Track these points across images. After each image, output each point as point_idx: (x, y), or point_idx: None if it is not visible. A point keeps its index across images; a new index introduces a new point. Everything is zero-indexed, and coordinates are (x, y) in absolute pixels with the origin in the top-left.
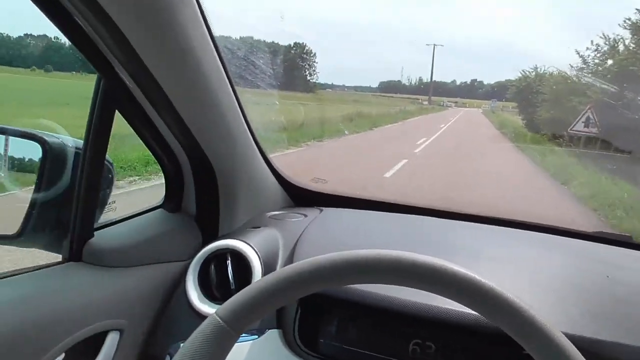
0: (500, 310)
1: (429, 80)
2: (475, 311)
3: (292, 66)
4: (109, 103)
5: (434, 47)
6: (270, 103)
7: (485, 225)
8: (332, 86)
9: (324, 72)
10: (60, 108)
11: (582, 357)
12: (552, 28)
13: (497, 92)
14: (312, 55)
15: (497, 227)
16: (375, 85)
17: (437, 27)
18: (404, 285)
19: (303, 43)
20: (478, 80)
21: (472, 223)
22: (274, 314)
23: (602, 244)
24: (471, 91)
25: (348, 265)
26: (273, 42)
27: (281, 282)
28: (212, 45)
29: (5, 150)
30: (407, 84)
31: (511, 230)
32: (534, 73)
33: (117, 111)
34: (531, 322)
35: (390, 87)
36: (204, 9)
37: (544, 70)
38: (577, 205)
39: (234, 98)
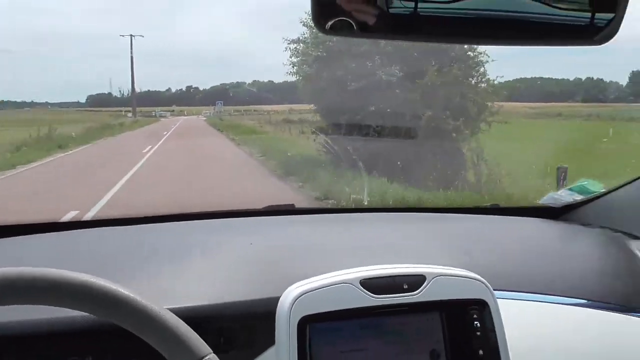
0: (109, 305)
1: (145, 89)
2: (90, 313)
3: None
4: None
5: (132, 39)
6: None
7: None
8: (31, 104)
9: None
10: None
11: (185, 325)
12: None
13: (215, 96)
14: None
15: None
16: (83, 100)
17: (153, 36)
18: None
19: None
20: (194, 86)
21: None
22: None
23: (272, 216)
24: (188, 98)
25: None
26: None
27: None
28: None
29: None
30: (118, 95)
31: (203, 222)
32: None
33: None
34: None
35: (100, 101)
36: None
37: None
38: None
39: None
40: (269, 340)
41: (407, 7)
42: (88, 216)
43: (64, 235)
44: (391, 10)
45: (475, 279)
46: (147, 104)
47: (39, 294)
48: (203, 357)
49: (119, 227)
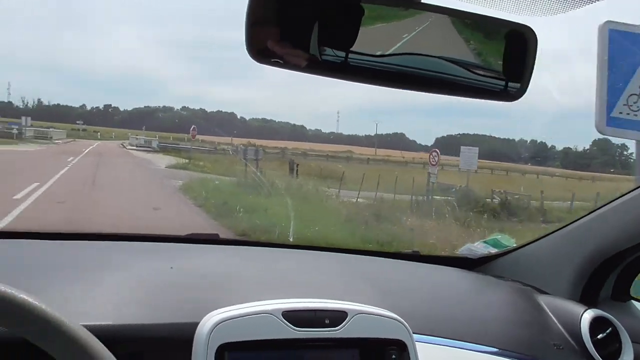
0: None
1: (55, 102)
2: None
3: None
4: None
5: None
6: None
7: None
8: None
9: None
10: None
11: (97, 341)
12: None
13: (137, 119)
14: None
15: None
16: None
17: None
18: None
19: None
20: (113, 105)
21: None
22: None
23: (193, 244)
24: (105, 117)
25: None
26: None
27: None
28: None
29: None
30: (21, 106)
31: (126, 243)
32: None
33: None
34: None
35: None
36: None
37: None
38: None
39: None
40: None
41: (339, 56)
42: None
43: None
44: (324, 58)
45: (395, 320)
46: (54, 119)
47: None
48: None
49: (39, 240)
